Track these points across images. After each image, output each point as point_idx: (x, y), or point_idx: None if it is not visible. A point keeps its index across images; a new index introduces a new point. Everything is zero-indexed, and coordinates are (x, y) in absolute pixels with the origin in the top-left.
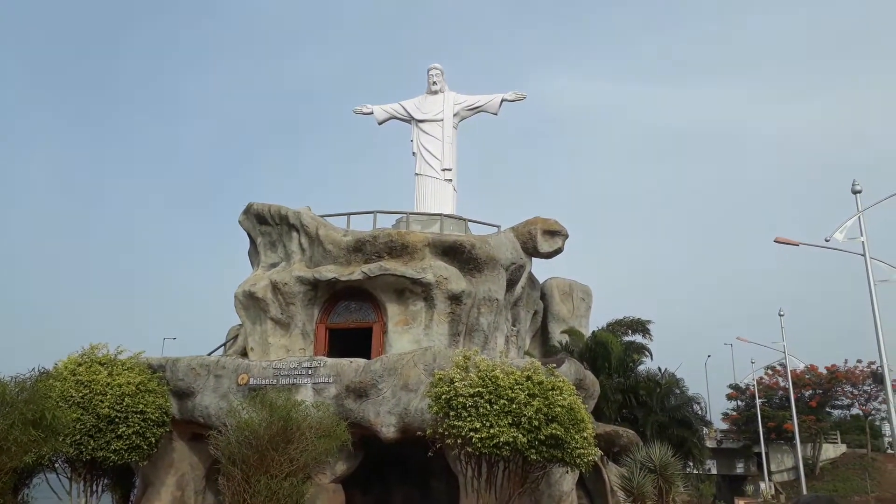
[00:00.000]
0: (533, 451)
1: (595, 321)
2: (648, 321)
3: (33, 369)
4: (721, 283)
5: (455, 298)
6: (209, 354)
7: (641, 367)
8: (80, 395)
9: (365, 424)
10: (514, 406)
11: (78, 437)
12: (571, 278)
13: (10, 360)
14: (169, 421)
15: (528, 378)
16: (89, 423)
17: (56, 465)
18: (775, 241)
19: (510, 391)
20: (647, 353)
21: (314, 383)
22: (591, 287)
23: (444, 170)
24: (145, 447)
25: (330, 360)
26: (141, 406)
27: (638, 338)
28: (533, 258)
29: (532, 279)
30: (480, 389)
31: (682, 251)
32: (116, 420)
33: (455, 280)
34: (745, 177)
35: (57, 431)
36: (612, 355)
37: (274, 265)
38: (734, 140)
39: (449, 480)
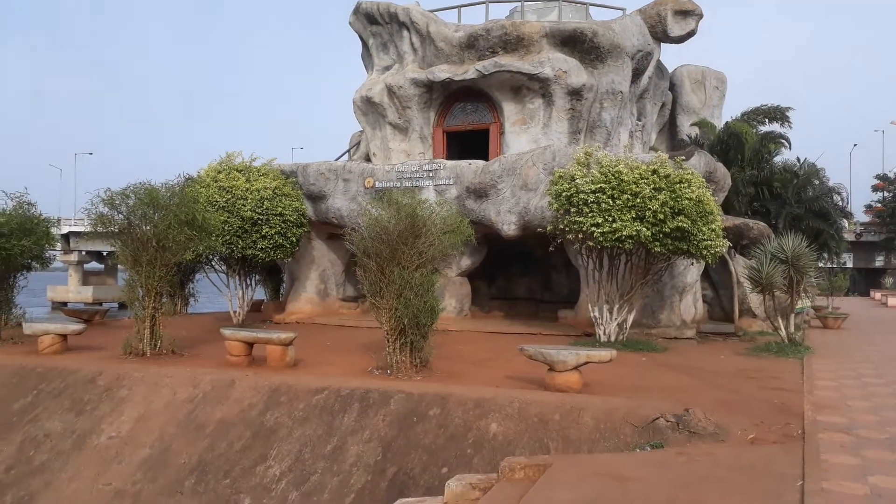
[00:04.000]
0: (657, 243)
1: (729, 111)
2: (788, 108)
3: (179, 176)
4: (875, 64)
5: (575, 93)
6: (336, 160)
7: (778, 159)
8: (224, 199)
9: (486, 223)
10: (638, 200)
11: (227, 237)
12: (704, 65)
13: (152, 169)
14: (306, 222)
15: (654, 172)
16: (235, 225)
17: (213, 263)
18: None
19: (634, 186)
20: (784, 142)
21: (435, 185)
22: (725, 74)
23: None
24: (287, 246)
25: (449, 163)
26: (279, 209)
27: (776, 127)
28: (662, 44)
29: (660, 68)
30: (603, 185)
31: (831, 29)
32: (259, 222)
33: (575, 73)
34: None
35: (209, 232)
36: (746, 146)
37: (387, 68)
38: None
39: (570, 273)
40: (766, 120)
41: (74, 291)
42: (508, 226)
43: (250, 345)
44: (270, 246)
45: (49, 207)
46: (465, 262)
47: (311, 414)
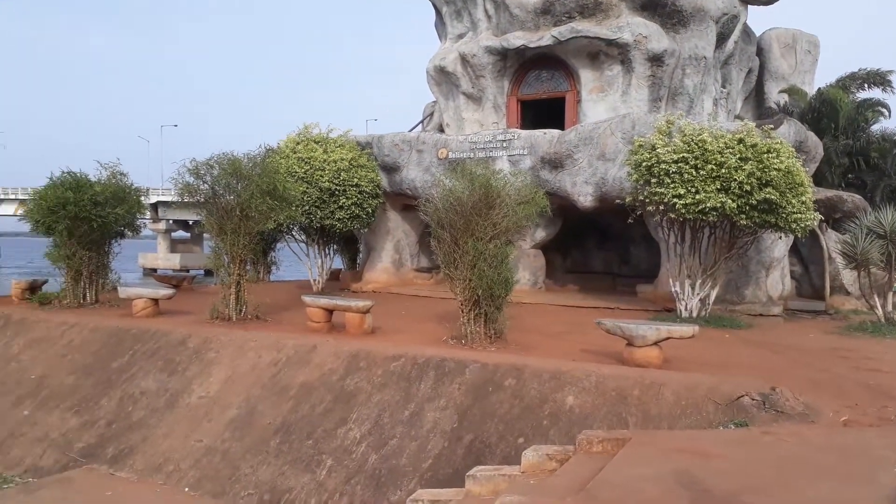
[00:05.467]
0: (743, 216)
1: (822, 78)
2: (890, 72)
3: (260, 146)
4: None
5: (656, 59)
6: (409, 131)
7: (876, 127)
8: (303, 170)
9: (562, 195)
10: (723, 171)
11: (307, 207)
12: (795, 28)
13: (233, 140)
14: (381, 193)
15: (740, 141)
16: (314, 196)
17: (293, 232)
18: None
19: (719, 155)
20: (883, 110)
21: (509, 155)
22: (818, 37)
23: None
24: (364, 216)
25: (524, 132)
26: (356, 180)
27: (877, 93)
28: (749, 6)
29: (747, 32)
30: (685, 155)
31: None
32: (336, 192)
33: (656, 38)
34: None
35: (289, 202)
36: (840, 114)
37: (461, 36)
38: None
39: (649, 246)
40: (865, 85)
41: (163, 258)
42: (585, 197)
43: (330, 312)
44: (347, 216)
45: (138, 178)
46: (540, 235)
47: (388, 380)
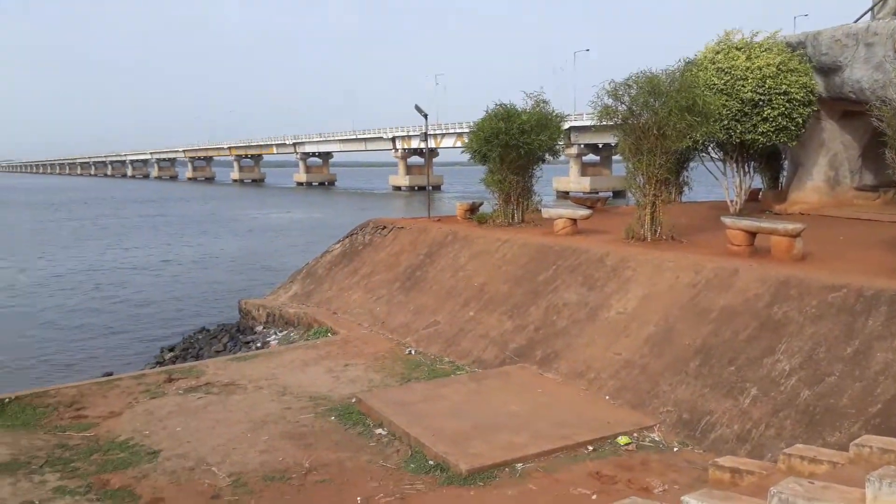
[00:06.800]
0: None
1: None
2: None
3: (679, 61)
4: None
5: None
6: (854, 23)
7: None
8: (722, 81)
9: None
10: None
11: (725, 122)
12: None
13: (648, 61)
14: (815, 100)
15: None
16: (734, 109)
17: (709, 150)
18: None
19: None
20: None
21: None
22: None
23: None
24: (792, 128)
25: None
26: (784, 87)
27: None
28: None
29: None
30: None
31: None
32: (760, 103)
33: None
34: None
35: (707, 117)
36: None
37: None
38: None
39: None
40: None
41: (574, 181)
42: None
43: (752, 234)
44: (772, 129)
45: (553, 105)
46: None
47: (825, 312)
